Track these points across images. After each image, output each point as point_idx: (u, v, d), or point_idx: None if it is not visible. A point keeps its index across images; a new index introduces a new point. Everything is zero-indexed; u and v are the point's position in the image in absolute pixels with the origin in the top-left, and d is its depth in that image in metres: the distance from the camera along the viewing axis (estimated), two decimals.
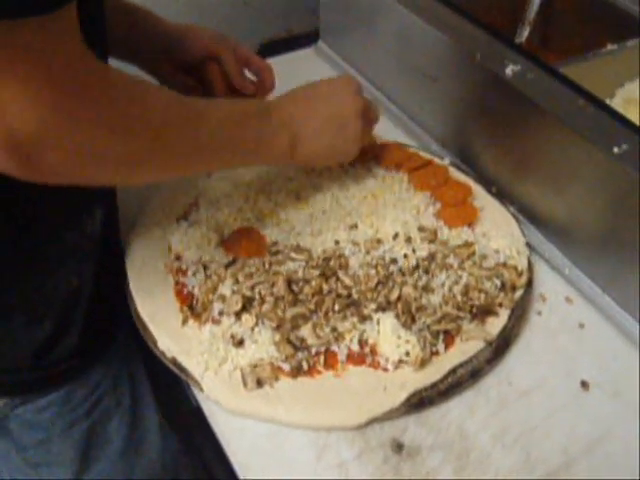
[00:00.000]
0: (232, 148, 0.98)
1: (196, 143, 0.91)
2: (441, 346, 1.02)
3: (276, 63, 1.66)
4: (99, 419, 1.18)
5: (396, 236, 1.17)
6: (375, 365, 1.01)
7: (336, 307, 1.05)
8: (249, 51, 1.31)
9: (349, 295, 1.07)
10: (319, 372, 1.00)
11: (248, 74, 1.32)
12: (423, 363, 1.00)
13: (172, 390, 1.26)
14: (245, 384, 0.98)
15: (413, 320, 1.04)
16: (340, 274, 1.09)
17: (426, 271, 1.11)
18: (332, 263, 1.11)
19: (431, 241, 1.16)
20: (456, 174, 1.32)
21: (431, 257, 1.13)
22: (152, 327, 1.06)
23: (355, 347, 1.02)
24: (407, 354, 1.00)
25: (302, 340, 1.02)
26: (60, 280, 1.02)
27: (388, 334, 1.01)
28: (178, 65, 1.26)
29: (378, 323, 1.03)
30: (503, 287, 1.10)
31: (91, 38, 0.78)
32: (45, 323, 1.03)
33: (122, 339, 1.20)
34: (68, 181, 0.77)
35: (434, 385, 1.00)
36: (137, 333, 1.28)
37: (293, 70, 1.64)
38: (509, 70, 1.20)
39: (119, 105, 0.76)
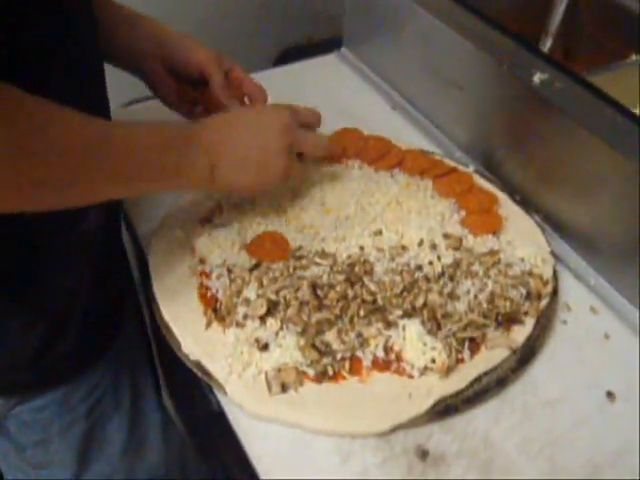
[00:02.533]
0: (144, 177, 0.94)
1: (101, 173, 0.85)
2: (466, 353, 1.02)
3: (299, 68, 1.68)
4: (98, 420, 1.18)
5: (421, 243, 1.17)
6: (400, 371, 1.00)
7: (361, 313, 1.05)
8: (243, 72, 1.29)
9: (374, 301, 1.06)
10: (344, 378, 1.00)
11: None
12: (449, 370, 0.99)
13: (190, 394, 1.26)
14: (269, 388, 0.97)
15: (439, 327, 1.03)
16: (365, 280, 1.09)
17: (451, 278, 1.11)
18: (357, 269, 1.11)
19: (456, 248, 1.16)
20: (481, 182, 1.32)
21: (456, 264, 1.13)
22: (176, 330, 1.06)
23: (380, 353, 1.01)
24: (433, 361, 0.99)
25: (327, 345, 1.01)
26: (52, 284, 1.01)
27: (414, 340, 1.01)
28: (170, 72, 1.24)
29: (404, 329, 1.03)
30: (528, 296, 1.10)
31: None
32: (39, 327, 1.02)
33: (124, 341, 1.20)
34: None
35: (459, 392, 0.99)
36: (142, 335, 1.28)
37: (316, 76, 1.65)
38: (536, 78, 1.20)
39: (14, 135, 0.73)
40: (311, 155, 1.22)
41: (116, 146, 0.86)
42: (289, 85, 1.62)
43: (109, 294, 1.15)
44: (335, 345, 1.01)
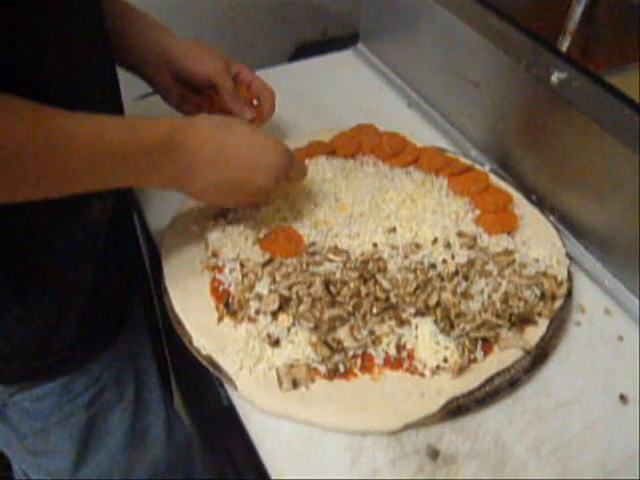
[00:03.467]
0: (107, 181, 0.91)
1: (61, 174, 0.84)
2: (479, 353, 1.01)
3: (315, 64, 1.68)
4: (100, 411, 1.17)
5: (435, 241, 1.16)
6: (412, 370, 1.00)
7: (374, 310, 1.04)
8: (251, 74, 1.29)
9: (387, 299, 1.06)
10: (355, 375, 0.99)
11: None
12: (461, 370, 0.99)
13: (201, 389, 1.25)
14: (280, 384, 0.97)
15: (452, 326, 1.02)
16: (378, 277, 1.08)
17: (465, 277, 1.10)
18: (370, 266, 1.10)
19: (470, 247, 1.15)
20: (496, 181, 1.31)
21: (470, 263, 1.12)
22: (187, 324, 1.06)
23: (392, 351, 1.01)
24: (445, 360, 0.99)
25: (339, 342, 1.01)
26: (52, 274, 1.01)
27: (426, 339, 1.00)
28: (178, 79, 1.25)
29: (416, 328, 1.02)
30: (543, 296, 1.09)
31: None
32: (38, 316, 1.02)
33: (130, 334, 1.20)
34: None
35: (471, 393, 0.98)
36: (149, 329, 1.27)
37: (332, 72, 1.65)
38: (555, 77, 1.19)
39: None
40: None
41: (75, 159, 0.84)
42: (305, 81, 1.62)
43: (114, 287, 1.14)
44: (347, 342, 1.01)
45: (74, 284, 1.04)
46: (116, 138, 0.87)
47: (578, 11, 1.55)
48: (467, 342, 1.01)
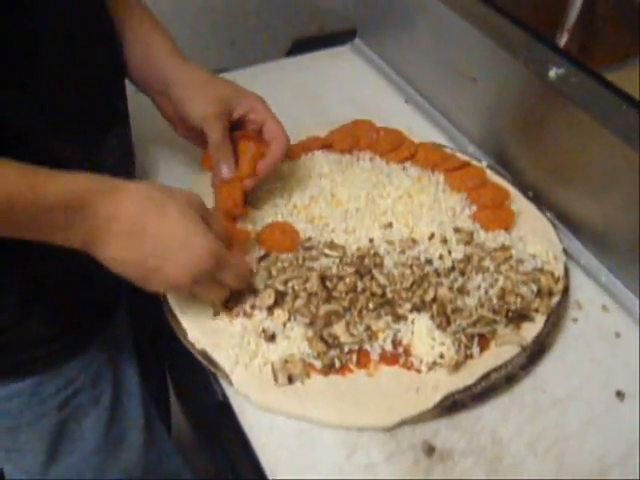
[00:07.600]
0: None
1: None
2: (476, 349, 1.01)
3: (312, 59, 1.67)
4: (73, 414, 1.16)
5: (432, 237, 1.16)
6: (408, 366, 0.99)
7: (370, 305, 1.04)
8: (266, 112, 1.18)
9: (383, 294, 1.05)
10: (351, 370, 0.99)
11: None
12: (457, 366, 0.98)
13: (195, 384, 1.25)
14: (276, 379, 0.96)
15: (448, 322, 1.02)
16: (375, 272, 1.08)
17: (462, 273, 1.09)
18: (367, 261, 1.10)
19: (467, 243, 1.15)
20: (493, 177, 1.31)
21: (467, 259, 1.12)
22: (182, 318, 1.05)
23: (388, 347, 1.01)
24: (441, 356, 0.98)
25: (335, 337, 1.00)
26: (12, 271, 0.99)
27: (423, 335, 1.00)
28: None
29: (413, 323, 1.02)
30: (539, 292, 1.09)
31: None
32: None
33: (112, 336, 1.19)
34: None
35: (468, 388, 0.98)
36: (132, 334, 1.25)
37: (329, 67, 1.64)
38: (552, 73, 1.18)
39: None
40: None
41: None
42: (302, 76, 1.62)
43: (93, 290, 1.12)
44: (343, 338, 1.00)
45: (38, 282, 1.03)
46: (8, 188, 0.80)
47: (576, 6, 1.55)
48: (463, 338, 1.01)
